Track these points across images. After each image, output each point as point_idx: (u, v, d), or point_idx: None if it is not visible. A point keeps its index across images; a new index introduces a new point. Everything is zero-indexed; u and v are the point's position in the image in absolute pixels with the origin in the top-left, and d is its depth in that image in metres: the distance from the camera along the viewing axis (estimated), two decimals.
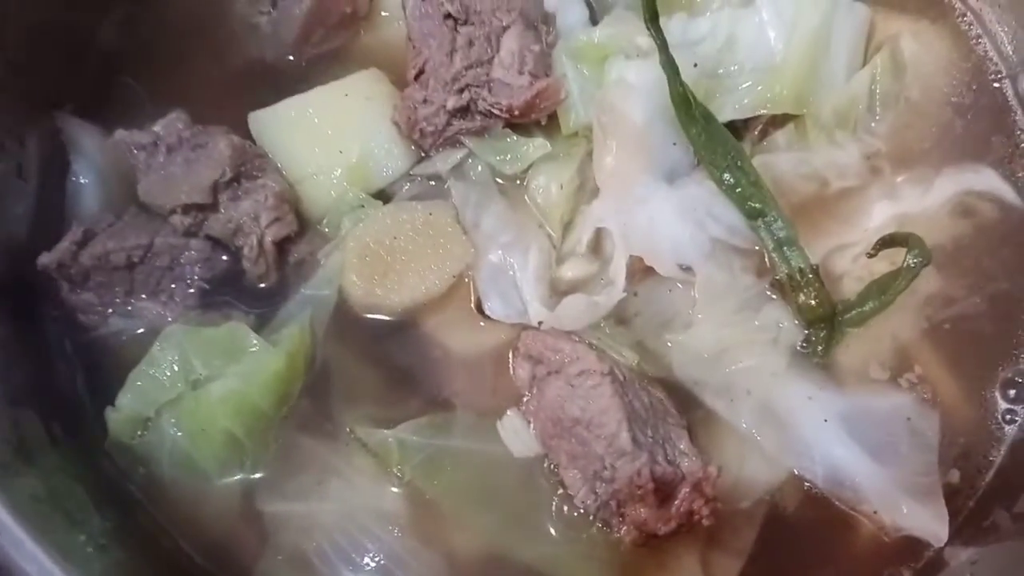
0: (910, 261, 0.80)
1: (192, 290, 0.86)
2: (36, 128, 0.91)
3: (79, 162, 0.92)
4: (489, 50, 0.87)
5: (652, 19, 0.83)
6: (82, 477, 0.72)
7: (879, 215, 0.90)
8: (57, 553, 0.58)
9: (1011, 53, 0.97)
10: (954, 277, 0.89)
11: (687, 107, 0.84)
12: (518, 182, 0.93)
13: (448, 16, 0.87)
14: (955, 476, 0.80)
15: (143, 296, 0.85)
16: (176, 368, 0.78)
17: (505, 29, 0.87)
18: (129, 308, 0.85)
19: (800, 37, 0.90)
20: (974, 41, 0.99)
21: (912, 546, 0.76)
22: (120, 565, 0.64)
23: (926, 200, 0.92)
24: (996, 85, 0.97)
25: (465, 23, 0.87)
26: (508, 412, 0.83)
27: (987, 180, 0.93)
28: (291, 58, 0.97)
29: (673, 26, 0.91)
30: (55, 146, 0.92)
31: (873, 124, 0.94)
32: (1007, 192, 0.92)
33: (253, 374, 0.79)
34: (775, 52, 0.91)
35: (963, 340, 0.88)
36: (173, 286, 0.86)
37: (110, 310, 0.85)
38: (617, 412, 0.74)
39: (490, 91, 0.87)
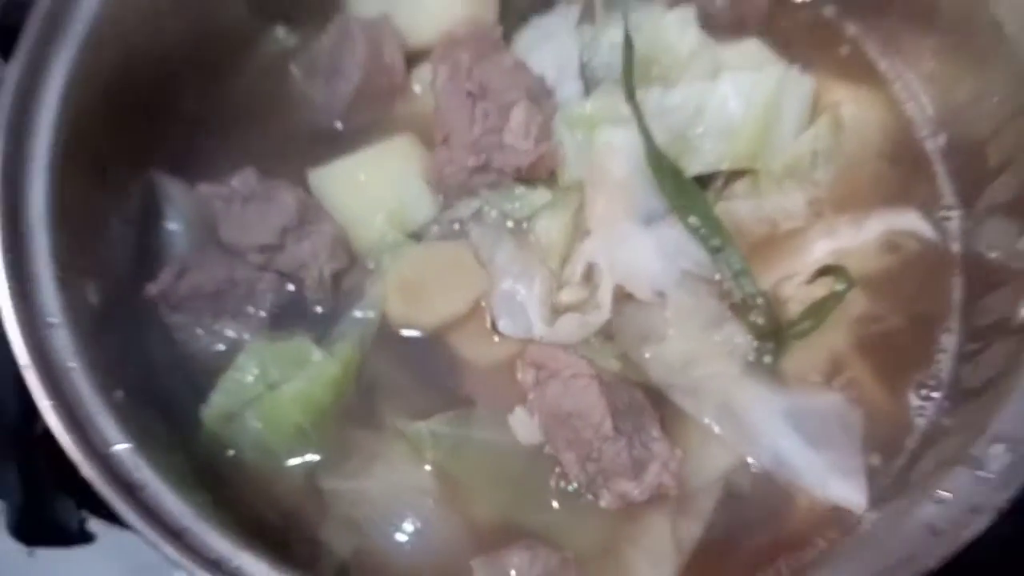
0: (837, 287, 0.94)
1: (264, 313, 0.98)
2: (138, 184, 1.02)
3: (170, 210, 1.03)
4: (501, 121, 0.98)
5: (630, 96, 0.99)
6: (185, 460, 0.87)
7: (819, 250, 1.00)
8: (186, 501, 0.73)
9: (932, 115, 1.09)
10: (880, 300, 0.98)
11: (660, 165, 0.98)
12: (524, 225, 1.01)
13: (469, 93, 0.99)
14: (876, 459, 0.90)
15: (226, 318, 0.97)
16: (256, 373, 0.90)
17: (514, 104, 0.98)
18: (215, 328, 0.97)
19: (755, 106, 1.01)
20: (903, 105, 1.11)
21: (838, 513, 0.87)
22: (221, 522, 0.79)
23: (859, 237, 1.02)
24: (920, 141, 1.09)
25: (482, 99, 0.99)
26: (516, 408, 0.91)
27: (910, 221, 1.03)
28: (339, 125, 1.09)
29: (651, 97, 1.02)
30: (151, 198, 1.03)
31: (816, 175, 1.04)
32: (927, 230, 1.03)
33: (316, 378, 0.90)
34: (734, 118, 1.01)
35: (885, 351, 0.96)
36: (250, 310, 0.98)
37: (199, 329, 0.97)
38: (602, 407, 0.85)
39: (502, 153, 0.98)
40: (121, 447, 0.74)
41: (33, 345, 0.76)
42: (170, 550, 0.69)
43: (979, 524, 0.67)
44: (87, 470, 0.71)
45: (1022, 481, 0.69)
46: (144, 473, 0.74)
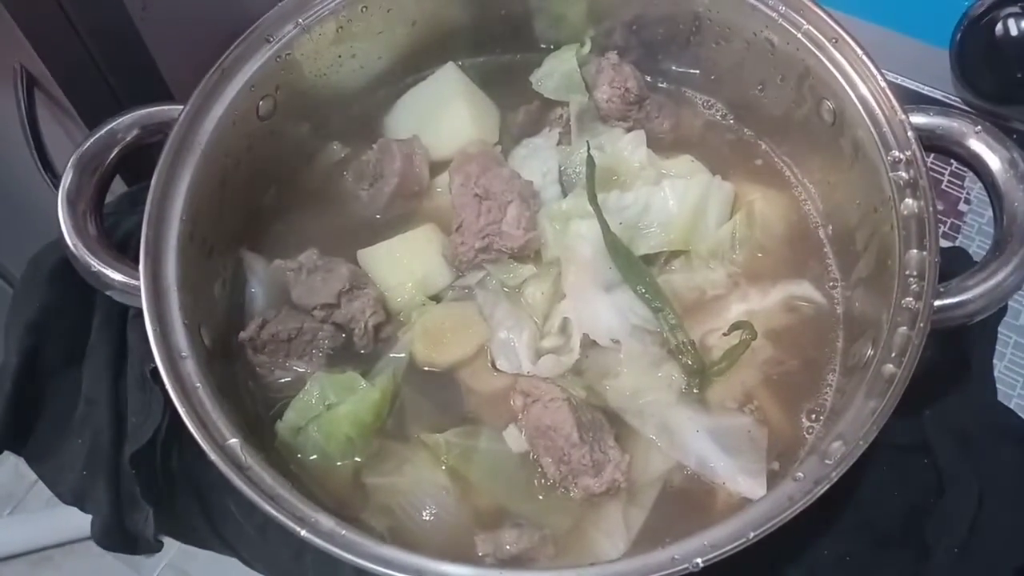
0: (744, 337, 1.10)
1: (322, 354, 1.16)
2: (232, 259, 1.21)
3: (253, 279, 1.20)
4: (500, 215, 1.15)
5: (592, 199, 1.21)
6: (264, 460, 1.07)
7: (735, 311, 1.17)
8: (276, 478, 0.97)
9: (822, 210, 1.31)
10: (781, 348, 1.14)
11: (615, 248, 1.14)
12: (517, 290, 1.17)
13: (476, 195, 1.16)
14: (776, 465, 1.06)
15: (295, 358, 1.14)
16: (319, 396, 1.06)
17: (509, 203, 1.16)
18: (286, 365, 1.14)
19: (687, 204, 1.19)
20: (802, 202, 1.33)
21: (746, 502, 1.02)
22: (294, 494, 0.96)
23: (766, 301, 1.19)
24: (814, 229, 1.30)
25: (486, 199, 1.16)
26: (510, 425, 1.06)
27: (805, 289, 1.20)
28: (379, 217, 1.26)
29: (611, 198, 1.18)
30: (240, 269, 1.21)
31: (734, 256, 1.20)
32: (818, 296, 1.19)
33: (362, 401, 1.06)
34: (672, 214, 1.18)
35: (785, 386, 1.12)
36: (312, 352, 1.15)
37: (275, 367, 1.14)
38: (571, 421, 1.01)
39: (500, 238, 1.14)
40: (233, 441, 0.99)
41: (173, 371, 0.96)
42: (268, 508, 0.94)
43: (818, 491, 0.93)
44: (214, 455, 0.95)
45: (850, 463, 0.95)
46: (248, 459, 0.99)
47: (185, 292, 1.03)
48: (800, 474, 0.97)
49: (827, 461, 0.96)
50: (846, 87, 1.19)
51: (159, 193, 1.13)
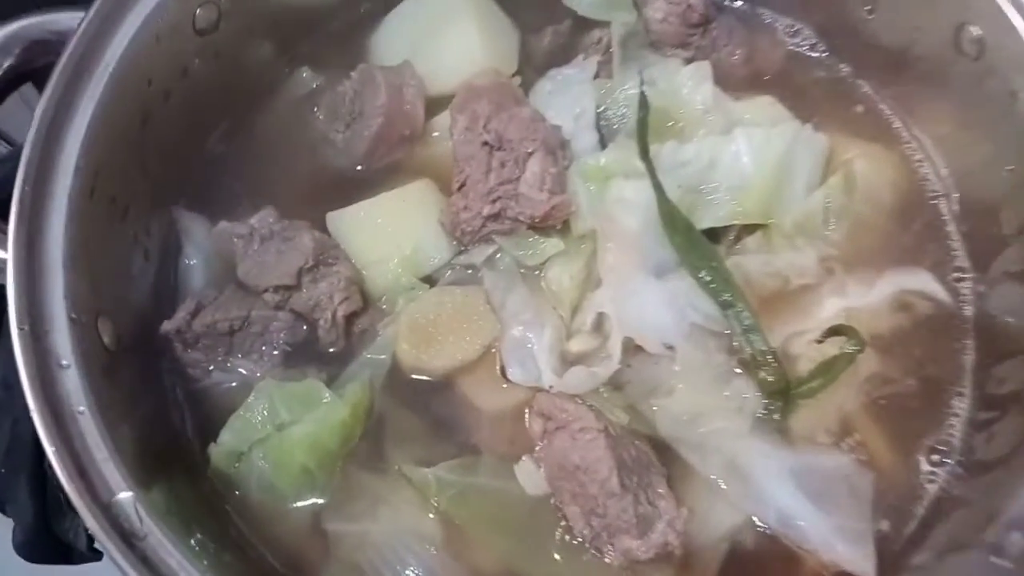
0: (848, 348, 0.94)
1: (277, 352, 1.00)
2: (158, 220, 1.05)
3: (189, 247, 1.06)
4: (517, 171, 0.99)
5: (643, 154, 1.00)
6: (190, 496, 0.87)
7: (830, 308, 1.00)
8: (185, 553, 0.73)
9: (946, 175, 1.09)
10: (890, 361, 0.98)
11: (672, 220, 0.99)
12: (537, 272, 1.02)
13: (486, 143, 1.00)
14: (885, 525, 0.90)
15: (239, 356, 0.99)
16: (266, 414, 0.91)
17: (530, 155, 1.00)
18: (228, 365, 0.99)
19: (767, 163, 1.02)
20: (916, 164, 1.11)
21: None
22: (223, 567, 0.78)
23: (870, 296, 1.01)
24: (932, 202, 1.08)
25: (499, 149, 1.00)
26: (523, 458, 0.92)
27: (922, 281, 1.03)
28: (359, 168, 1.11)
29: (665, 151, 1.03)
30: (171, 234, 1.06)
31: (827, 232, 1.04)
32: (939, 292, 1.02)
33: (325, 421, 0.91)
34: (747, 175, 1.02)
35: (896, 413, 0.95)
36: (263, 348, 0.99)
37: (212, 366, 0.99)
38: (609, 461, 0.86)
39: (517, 203, 0.99)
40: (124, 495, 0.75)
41: (43, 388, 0.77)
42: None
43: None
44: (89, 520, 0.71)
45: None
46: (145, 523, 0.74)
47: (77, 272, 0.85)
48: None
49: (1002, 561, 0.66)
50: (1006, 6, 0.92)
51: (44, 135, 0.87)
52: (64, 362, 0.79)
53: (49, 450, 0.73)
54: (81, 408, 0.77)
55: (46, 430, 0.74)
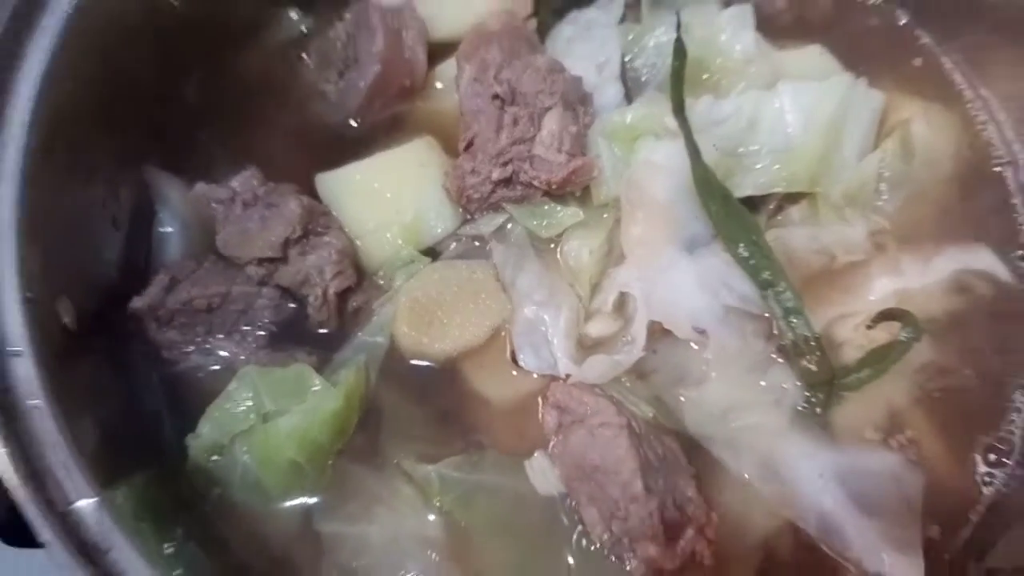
0: (903, 336, 0.86)
1: (262, 332, 0.92)
2: (128, 181, 0.96)
3: (164, 212, 0.98)
4: (532, 129, 0.92)
5: (678, 110, 0.90)
6: (164, 495, 0.78)
7: (880, 289, 0.94)
8: (147, 560, 0.66)
9: (1013, 139, 1.01)
10: (947, 349, 0.93)
11: (708, 187, 0.90)
12: (552, 245, 0.97)
13: (496, 96, 0.93)
14: (935, 531, 0.84)
15: (220, 336, 0.91)
16: (250, 403, 0.84)
17: (547, 111, 0.92)
18: (207, 346, 0.91)
19: (816, 123, 0.95)
20: (980, 127, 1.04)
21: None
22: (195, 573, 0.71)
23: (926, 276, 0.95)
24: (998, 170, 1.02)
25: (512, 103, 0.93)
26: (536, 453, 0.87)
27: (984, 259, 0.97)
28: (354, 123, 1.04)
29: (700, 107, 0.96)
30: (143, 198, 0.97)
31: (880, 203, 0.98)
32: (1002, 272, 0.96)
33: (315, 411, 0.84)
34: (792, 136, 0.95)
35: (951, 408, 0.91)
36: (246, 328, 0.92)
37: (191, 348, 0.91)
38: (632, 462, 0.79)
39: (531, 165, 0.92)
40: (85, 503, 0.67)
41: None
42: None
43: None
44: (44, 532, 0.64)
45: None
46: (111, 536, 0.66)
47: (32, 244, 0.76)
48: None
49: None
50: None
51: None
52: (15, 348, 0.71)
53: None
54: (35, 401, 0.70)
55: None
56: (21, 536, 0.96)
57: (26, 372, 0.70)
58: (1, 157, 0.77)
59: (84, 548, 0.64)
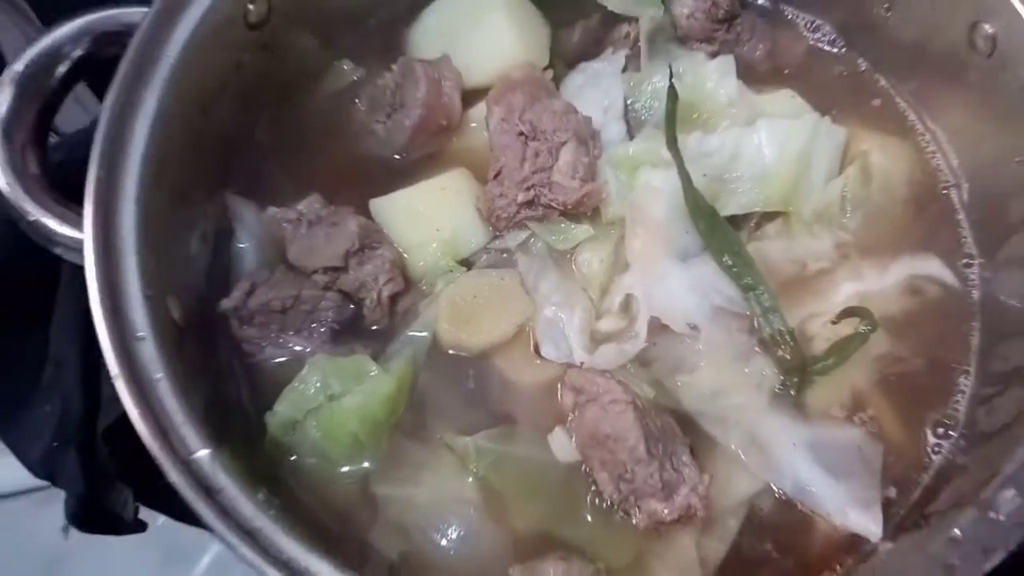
0: (861, 328, 0.97)
1: (325, 329, 1.03)
2: (213, 205, 1.07)
3: (241, 231, 1.08)
4: (550, 160, 1.02)
5: (672, 144, 1.02)
6: (251, 461, 0.89)
7: (844, 291, 1.03)
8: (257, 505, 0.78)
9: (957, 166, 1.11)
10: (901, 341, 1.00)
11: (698, 207, 1.02)
12: (568, 256, 1.04)
13: (521, 134, 1.04)
14: (892, 492, 0.93)
15: (291, 333, 1.02)
16: (319, 385, 0.93)
17: (563, 144, 1.03)
18: (280, 341, 1.02)
19: (788, 154, 1.05)
20: (930, 155, 1.13)
21: (855, 541, 0.90)
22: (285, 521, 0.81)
23: (883, 281, 1.04)
24: (945, 192, 1.11)
25: (533, 139, 1.03)
26: (556, 428, 0.95)
27: (933, 266, 1.06)
28: (399, 157, 1.13)
29: (691, 141, 1.06)
30: (224, 219, 1.08)
31: (844, 220, 1.07)
32: (949, 276, 1.06)
33: (372, 393, 0.93)
34: (768, 165, 1.05)
35: (905, 390, 0.98)
36: (313, 326, 1.02)
37: (266, 342, 1.02)
38: (637, 431, 0.89)
39: (550, 190, 1.02)
40: (201, 453, 0.79)
41: (124, 357, 0.81)
42: (245, 550, 0.74)
43: (990, 563, 0.71)
44: (173, 475, 0.76)
45: None
46: (221, 478, 0.79)
47: (148, 252, 0.88)
48: (957, 531, 0.73)
49: (996, 516, 0.72)
50: (1018, 5, 0.95)
51: (114, 123, 0.90)
52: (140, 334, 0.82)
53: (133, 413, 0.78)
54: (158, 375, 0.80)
55: (130, 395, 0.79)
56: (94, 523, 1.09)
57: (149, 353, 0.83)
58: (124, 185, 0.89)
59: (205, 489, 0.77)
